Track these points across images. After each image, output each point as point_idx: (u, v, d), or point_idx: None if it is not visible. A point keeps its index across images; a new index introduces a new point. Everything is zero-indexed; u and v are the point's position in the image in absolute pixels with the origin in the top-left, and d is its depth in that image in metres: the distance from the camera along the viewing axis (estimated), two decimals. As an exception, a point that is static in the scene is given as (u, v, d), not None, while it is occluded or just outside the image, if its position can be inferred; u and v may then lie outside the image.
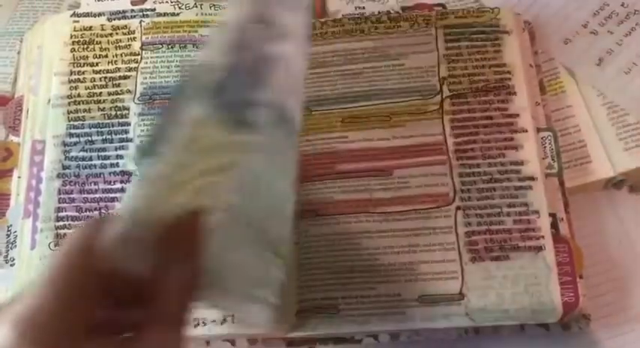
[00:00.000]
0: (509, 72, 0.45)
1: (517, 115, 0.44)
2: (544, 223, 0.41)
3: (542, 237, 0.41)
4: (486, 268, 0.41)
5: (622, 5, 0.49)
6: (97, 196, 0.44)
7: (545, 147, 0.44)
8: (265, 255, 0.36)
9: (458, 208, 0.42)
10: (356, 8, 0.50)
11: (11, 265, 0.43)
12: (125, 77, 0.47)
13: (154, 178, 0.31)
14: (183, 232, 0.30)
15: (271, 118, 0.35)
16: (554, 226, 0.42)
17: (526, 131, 0.44)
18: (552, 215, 0.42)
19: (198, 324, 0.40)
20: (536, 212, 0.42)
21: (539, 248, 0.41)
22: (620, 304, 0.43)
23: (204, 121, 0.32)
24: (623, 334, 0.42)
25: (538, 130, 0.44)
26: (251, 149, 0.34)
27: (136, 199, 0.31)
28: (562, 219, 0.42)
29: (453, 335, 0.41)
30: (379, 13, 0.49)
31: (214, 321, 0.41)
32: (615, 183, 0.46)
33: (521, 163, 0.43)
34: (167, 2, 0.50)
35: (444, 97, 0.45)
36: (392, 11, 0.50)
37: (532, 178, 0.42)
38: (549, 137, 0.44)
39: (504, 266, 0.41)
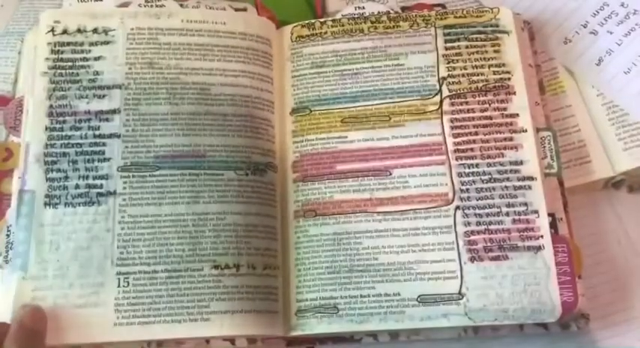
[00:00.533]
0: (508, 72, 0.45)
1: (516, 115, 0.44)
2: (543, 222, 0.41)
3: (542, 237, 0.41)
4: (485, 267, 0.41)
5: (622, 5, 0.49)
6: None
7: (544, 147, 0.44)
8: (203, 272, 0.40)
9: (457, 207, 0.42)
10: (356, 8, 0.50)
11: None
12: None
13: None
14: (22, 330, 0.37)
15: (133, 176, 0.42)
16: (554, 225, 0.42)
17: (525, 131, 0.44)
18: (551, 215, 0.42)
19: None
20: (536, 212, 0.42)
21: (539, 248, 0.41)
22: (619, 304, 0.43)
23: (65, 213, 0.41)
24: (621, 334, 0.42)
25: (537, 129, 0.44)
26: (117, 209, 0.41)
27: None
28: (561, 219, 0.42)
29: (452, 335, 0.41)
30: (379, 13, 0.49)
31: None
32: (615, 183, 0.46)
33: (521, 162, 0.43)
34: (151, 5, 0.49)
35: (443, 96, 0.45)
36: (391, 11, 0.50)
37: (531, 178, 0.42)
38: (549, 137, 0.44)
39: (503, 266, 0.41)
